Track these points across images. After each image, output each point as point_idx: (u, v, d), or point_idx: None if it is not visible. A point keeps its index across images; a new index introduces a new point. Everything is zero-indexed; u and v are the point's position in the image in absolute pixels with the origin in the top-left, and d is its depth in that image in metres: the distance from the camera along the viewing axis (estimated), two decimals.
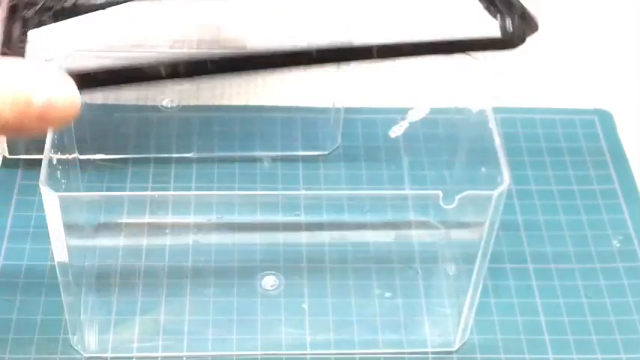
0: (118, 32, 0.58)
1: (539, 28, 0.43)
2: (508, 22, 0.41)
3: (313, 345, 0.52)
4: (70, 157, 0.53)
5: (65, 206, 0.45)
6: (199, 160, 0.60)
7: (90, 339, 0.51)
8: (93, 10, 0.46)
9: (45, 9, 0.42)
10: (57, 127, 0.37)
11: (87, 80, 0.36)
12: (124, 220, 0.56)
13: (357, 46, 0.39)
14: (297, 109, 0.63)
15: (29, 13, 0.41)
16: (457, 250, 0.55)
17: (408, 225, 0.57)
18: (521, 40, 0.40)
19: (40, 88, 0.34)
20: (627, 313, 0.54)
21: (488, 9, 0.42)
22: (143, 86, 0.38)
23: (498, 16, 0.41)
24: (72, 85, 0.36)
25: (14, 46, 0.39)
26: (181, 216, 0.56)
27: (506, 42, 0.41)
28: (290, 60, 0.39)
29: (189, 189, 0.58)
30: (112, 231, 0.56)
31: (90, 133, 0.58)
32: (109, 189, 0.58)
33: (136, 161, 0.60)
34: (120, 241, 0.56)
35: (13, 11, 0.41)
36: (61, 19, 0.43)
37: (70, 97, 0.35)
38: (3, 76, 0.34)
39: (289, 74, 0.63)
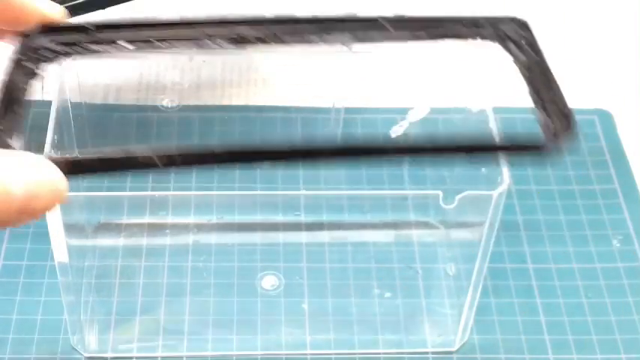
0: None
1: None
2: (550, 128, 0.41)
3: (313, 345, 0.52)
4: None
5: (65, 206, 0.45)
6: None
7: (90, 339, 0.51)
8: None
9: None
10: (38, 217, 0.32)
11: (76, 167, 0.35)
12: (124, 220, 0.56)
13: (377, 146, 0.38)
14: (297, 109, 0.63)
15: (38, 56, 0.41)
16: (457, 250, 0.55)
17: (408, 225, 0.57)
18: (557, 154, 0.40)
19: (18, 179, 0.31)
20: (627, 313, 0.54)
21: (536, 103, 0.42)
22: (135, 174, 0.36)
23: (542, 116, 0.42)
24: (55, 171, 0.33)
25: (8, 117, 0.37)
26: (181, 216, 0.56)
27: (540, 153, 0.40)
28: (290, 156, 0.37)
29: (189, 189, 0.58)
30: (112, 231, 0.56)
31: (90, 133, 0.58)
32: (109, 189, 0.58)
33: None
34: (120, 241, 0.56)
35: (17, 66, 0.40)
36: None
37: (53, 186, 0.33)
38: None
39: (289, 74, 0.64)
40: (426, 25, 0.43)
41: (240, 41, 0.41)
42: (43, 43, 0.41)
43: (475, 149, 0.40)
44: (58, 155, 0.34)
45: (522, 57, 0.44)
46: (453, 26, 0.43)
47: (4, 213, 0.31)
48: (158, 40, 0.40)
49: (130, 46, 0.41)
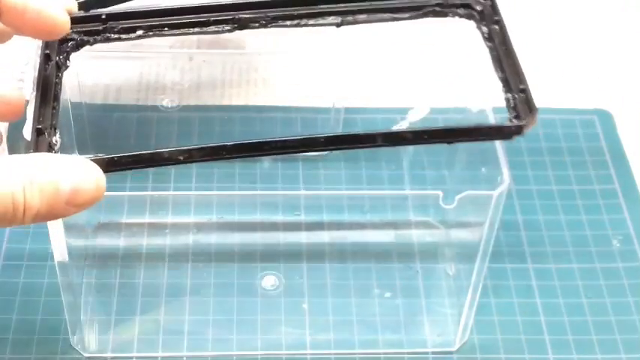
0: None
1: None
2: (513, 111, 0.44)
3: (313, 345, 0.52)
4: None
5: None
6: None
7: (90, 339, 0.51)
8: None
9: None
10: (84, 209, 0.39)
11: (112, 164, 0.40)
12: (124, 220, 0.56)
13: (361, 134, 0.41)
14: (297, 109, 0.63)
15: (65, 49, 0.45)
16: (457, 250, 0.55)
17: (408, 225, 0.57)
18: (518, 134, 0.43)
19: (66, 177, 0.38)
20: (627, 313, 0.54)
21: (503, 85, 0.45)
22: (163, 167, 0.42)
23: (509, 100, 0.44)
24: (97, 170, 0.39)
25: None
26: (181, 216, 0.56)
27: (505, 134, 0.43)
28: (297, 147, 0.41)
29: (189, 189, 0.58)
30: (112, 231, 0.56)
31: (90, 132, 0.58)
32: (108, 189, 0.58)
33: None
34: (120, 241, 0.56)
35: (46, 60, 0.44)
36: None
37: (95, 182, 0.39)
38: (32, 170, 0.38)
39: (289, 74, 0.64)
40: (404, 6, 0.47)
41: (241, 26, 0.46)
42: (67, 35, 0.45)
43: (435, 134, 0.43)
44: (97, 159, 0.40)
45: (485, 28, 0.46)
46: (427, 4, 0.47)
47: (54, 205, 0.38)
48: (168, 27, 0.46)
49: (143, 32, 0.46)
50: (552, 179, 0.61)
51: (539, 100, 0.65)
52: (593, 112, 0.65)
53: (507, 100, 0.44)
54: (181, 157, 0.41)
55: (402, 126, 0.59)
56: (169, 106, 0.63)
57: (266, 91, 0.65)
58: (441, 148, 0.60)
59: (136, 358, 0.51)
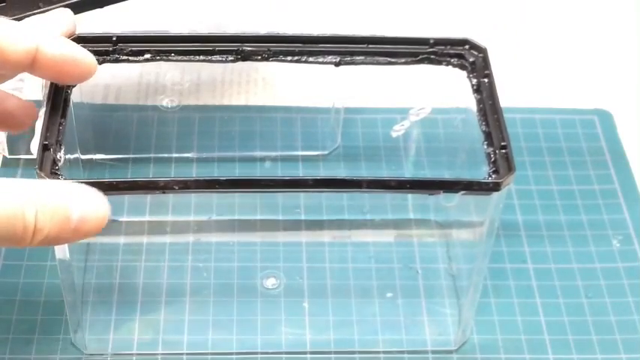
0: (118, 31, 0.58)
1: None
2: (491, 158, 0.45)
3: (313, 344, 0.52)
4: (72, 157, 0.53)
5: None
6: (199, 160, 0.60)
7: (90, 338, 0.51)
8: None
9: None
10: (87, 237, 0.41)
11: (113, 188, 0.43)
12: (124, 219, 0.56)
13: (348, 179, 0.44)
14: (297, 109, 0.63)
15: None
16: (457, 250, 0.55)
17: (408, 225, 0.57)
18: (496, 191, 0.44)
19: (76, 204, 0.40)
20: (627, 313, 0.54)
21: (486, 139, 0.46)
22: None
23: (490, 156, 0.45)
24: (103, 200, 0.41)
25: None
26: (181, 215, 0.56)
27: (484, 189, 0.45)
28: (289, 186, 0.44)
29: None
30: (112, 230, 0.56)
31: (91, 133, 0.58)
32: None
33: (136, 161, 0.60)
34: (120, 240, 0.56)
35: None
36: None
37: (100, 212, 0.41)
38: (45, 194, 0.40)
39: (289, 74, 0.64)
40: (400, 52, 0.49)
41: (243, 57, 0.49)
42: None
43: (419, 186, 0.45)
44: (99, 181, 0.42)
45: (474, 80, 0.48)
46: (423, 51, 0.49)
47: (63, 230, 0.40)
48: (175, 53, 0.48)
49: (150, 56, 0.48)
50: (552, 179, 0.61)
51: (539, 101, 0.65)
52: (593, 112, 0.65)
53: (488, 154, 0.45)
54: (176, 187, 0.43)
55: (403, 126, 0.60)
56: (169, 106, 0.63)
57: (266, 91, 0.65)
58: (441, 149, 0.60)
59: (136, 357, 0.51)
